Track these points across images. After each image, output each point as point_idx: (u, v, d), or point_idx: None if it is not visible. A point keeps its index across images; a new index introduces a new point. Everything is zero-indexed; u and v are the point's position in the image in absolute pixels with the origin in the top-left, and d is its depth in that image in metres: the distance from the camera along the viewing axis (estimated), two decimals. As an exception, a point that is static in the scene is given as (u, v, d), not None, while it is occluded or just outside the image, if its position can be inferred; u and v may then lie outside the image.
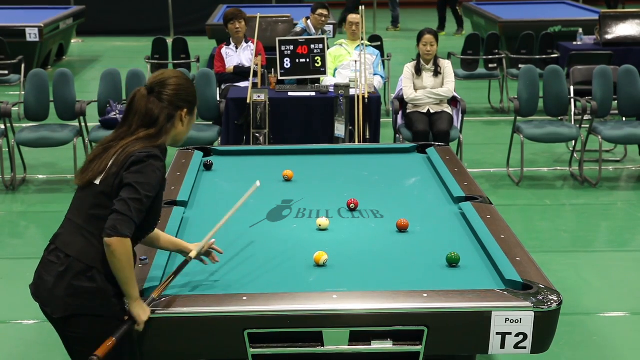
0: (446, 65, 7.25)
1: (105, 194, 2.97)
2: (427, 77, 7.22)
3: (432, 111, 7.19)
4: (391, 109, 7.61)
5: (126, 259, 2.89)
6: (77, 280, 2.95)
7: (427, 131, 7.02)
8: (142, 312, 2.99)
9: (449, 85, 7.18)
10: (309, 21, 8.56)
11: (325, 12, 8.48)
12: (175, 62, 9.91)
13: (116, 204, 2.90)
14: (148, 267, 3.42)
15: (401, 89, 7.32)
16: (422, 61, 7.25)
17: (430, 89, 7.19)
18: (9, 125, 7.51)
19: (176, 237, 3.79)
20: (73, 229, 3.01)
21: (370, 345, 3.13)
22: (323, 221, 3.93)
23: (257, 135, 7.04)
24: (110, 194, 2.96)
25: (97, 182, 2.99)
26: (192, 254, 3.32)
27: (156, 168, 2.97)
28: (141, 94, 3.05)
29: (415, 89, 7.24)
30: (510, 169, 7.63)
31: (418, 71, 7.23)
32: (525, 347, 3.15)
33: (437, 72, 7.20)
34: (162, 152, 3.05)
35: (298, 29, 8.62)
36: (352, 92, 7.06)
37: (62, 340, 3.13)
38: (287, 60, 7.45)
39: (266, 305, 3.09)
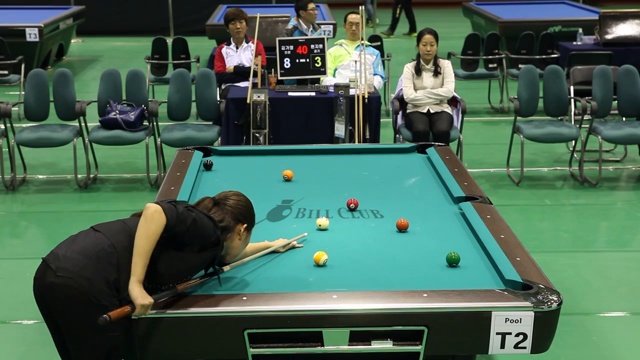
0: (446, 65, 7.25)
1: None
2: (427, 77, 7.22)
3: (432, 111, 7.19)
4: (391, 109, 7.61)
5: (153, 226, 2.99)
6: (80, 277, 3.02)
7: (427, 131, 7.02)
8: (141, 296, 2.98)
9: (449, 86, 7.18)
10: (300, 19, 8.55)
11: (313, 4, 8.53)
12: (175, 62, 9.91)
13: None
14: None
15: (401, 89, 7.32)
16: (422, 61, 7.25)
17: (430, 89, 7.19)
18: (8, 125, 7.51)
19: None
20: (92, 235, 3.21)
21: (370, 345, 3.13)
22: (323, 221, 3.93)
23: (257, 135, 7.04)
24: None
25: None
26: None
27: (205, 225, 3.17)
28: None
29: (415, 89, 7.24)
30: (510, 169, 7.63)
31: (418, 71, 7.23)
32: (525, 347, 3.15)
33: (437, 72, 7.20)
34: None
35: (290, 26, 8.61)
36: (352, 92, 7.06)
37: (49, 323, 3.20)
38: (287, 60, 7.45)
39: (266, 305, 3.09)
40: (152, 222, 3.00)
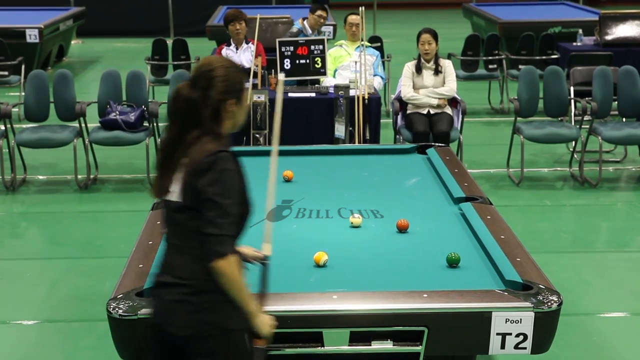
0: (447, 64, 7.25)
1: (189, 207, 2.78)
2: (428, 76, 7.22)
3: (432, 112, 7.19)
4: (391, 109, 7.61)
5: (237, 277, 2.74)
6: (198, 297, 2.78)
7: (427, 132, 7.02)
8: (264, 326, 2.87)
9: (451, 85, 7.18)
10: (305, 22, 8.55)
11: (324, 13, 8.47)
12: (175, 62, 9.91)
13: (205, 227, 2.71)
14: (148, 266, 3.41)
15: (401, 89, 7.32)
16: (422, 60, 7.25)
17: (431, 87, 7.19)
18: (9, 126, 7.51)
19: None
20: (175, 251, 2.85)
21: (370, 345, 3.13)
22: (355, 219, 3.93)
23: (257, 135, 7.04)
24: (193, 206, 2.77)
25: (177, 198, 2.81)
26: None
27: (228, 167, 2.76)
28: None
29: (416, 88, 7.24)
30: (510, 170, 7.63)
31: (419, 70, 7.23)
32: (525, 348, 3.15)
33: (437, 71, 7.20)
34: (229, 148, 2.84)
35: (294, 29, 8.61)
36: (352, 92, 7.06)
37: None
38: (287, 61, 7.45)
39: (266, 305, 3.09)
40: (229, 276, 2.72)
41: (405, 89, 7.23)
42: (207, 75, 2.79)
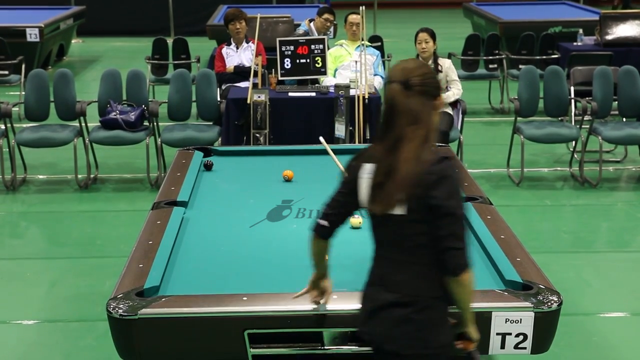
0: (447, 64, 7.26)
1: (417, 220, 2.69)
2: (426, 76, 7.22)
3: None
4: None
5: (472, 286, 2.74)
6: (422, 314, 2.74)
7: None
8: (476, 331, 2.87)
9: (456, 90, 7.20)
10: (311, 24, 8.55)
11: (331, 17, 8.46)
12: (176, 62, 9.91)
13: (449, 241, 2.65)
14: (148, 266, 3.41)
15: None
16: (420, 59, 7.26)
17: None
18: (9, 125, 7.51)
19: (176, 237, 3.79)
20: (395, 265, 2.77)
21: (370, 345, 3.12)
22: (355, 220, 3.93)
23: (257, 135, 7.04)
24: (422, 220, 2.69)
25: (401, 212, 2.70)
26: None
27: (457, 175, 2.70)
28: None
29: None
30: (510, 170, 7.63)
31: None
32: (525, 348, 3.15)
33: (437, 70, 7.21)
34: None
35: (300, 31, 8.61)
36: (352, 92, 7.06)
37: None
38: (287, 61, 7.45)
39: (266, 305, 3.09)
40: (469, 286, 2.72)
41: None
42: (423, 81, 2.70)
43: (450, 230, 2.65)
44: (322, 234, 2.93)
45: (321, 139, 3.91)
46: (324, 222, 2.91)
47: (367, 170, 2.77)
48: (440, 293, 2.74)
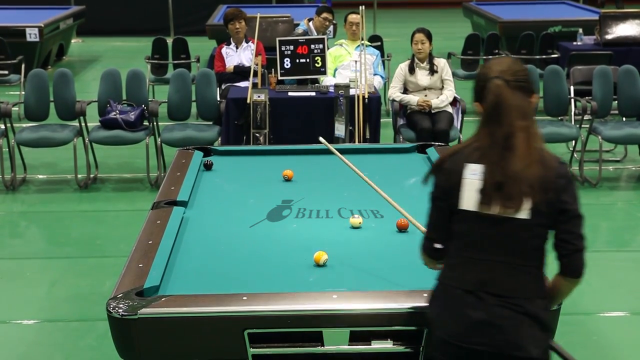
0: (443, 64, 7.26)
1: (539, 224, 2.66)
2: (422, 76, 7.23)
3: (432, 111, 7.20)
4: (391, 109, 7.62)
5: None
6: (543, 316, 2.72)
7: (431, 129, 7.03)
8: None
9: (448, 92, 7.21)
10: (310, 23, 8.55)
11: (330, 16, 8.47)
12: (176, 62, 9.91)
13: (578, 243, 2.72)
14: (148, 266, 3.41)
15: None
16: (416, 60, 7.27)
17: (426, 87, 7.20)
18: (9, 125, 7.51)
19: (176, 236, 3.79)
20: (507, 269, 2.68)
21: (370, 345, 3.13)
22: (354, 220, 3.93)
23: (257, 135, 7.04)
24: (545, 223, 2.67)
25: (526, 216, 2.64)
26: None
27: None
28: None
29: (410, 88, 7.27)
30: (510, 169, 7.61)
31: (412, 70, 7.25)
32: (525, 347, 3.13)
33: (433, 71, 7.21)
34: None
35: (299, 30, 8.61)
36: (352, 92, 7.06)
37: None
38: (287, 60, 7.45)
39: (266, 305, 3.09)
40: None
41: (392, 90, 7.31)
42: (528, 77, 2.70)
43: (578, 232, 2.69)
44: (438, 256, 2.87)
45: (321, 139, 3.90)
46: (439, 246, 2.83)
47: (472, 171, 2.69)
48: (546, 293, 2.75)
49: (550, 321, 2.79)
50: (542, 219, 2.65)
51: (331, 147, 3.57)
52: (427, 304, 2.92)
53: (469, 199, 2.68)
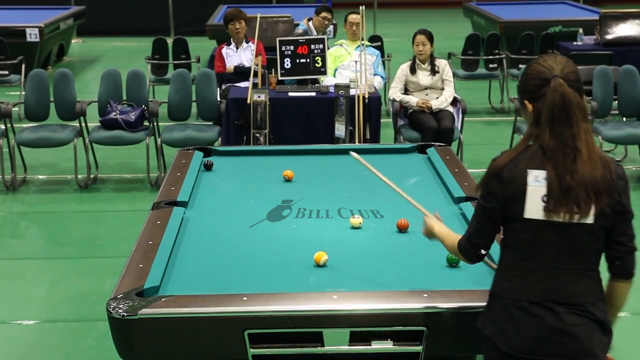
0: (444, 65, 7.27)
1: (602, 227, 2.60)
2: (424, 76, 7.24)
3: (434, 110, 7.21)
4: (391, 109, 7.62)
5: None
6: (607, 320, 2.70)
7: (437, 128, 7.04)
8: None
9: (447, 93, 7.21)
10: (310, 23, 8.55)
11: (329, 15, 8.47)
12: (176, 62, 9.91)
13: (631, 244, 2.65)
14: (148, 266, 3.41)
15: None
16: (417, 60, 7.28)
17: (427, 87, 7.21)
18: (9, 125, 7.52)
19: (176, 237, 3.79)
20: (570, 275, 2.63)
21: (370, 345, 3.13)
22: (355, 220, 3.93)
23: (257, 135, 7.04)
24: (605, 227, 2.61)
25: (591, 220, 2.58)
26: None
27: None
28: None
29: (411, 88, 7.28)
30: (510, 169, 7.61)
31: (413, 70, 7.27)
32: (525, 347, 3.13)
33: (434, 71, 7.22)
34: None
35: (299, 30, 8.61)
36: (352, 92, 7.06)
37: None
38: (287, 61, 7.45)
39: (266, 305, 3.09)
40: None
41: (392, 90, 7.34)
42: (578, 77, 2.62)
43: (632, 233, 2.65)
44: (479, 260, 2.86)
45: (352, 153, 3.66)
46: (484, 252, 2.80)
47: (535, 177, 2.58)
48: (604, 296, 2.71)
49: (611, 324, 2.74)
50: (605, 222, 2.60)
51: (363, 160, 3.48)
52: (481, 322, 2.79)
53: (534, 206, 2.59)
